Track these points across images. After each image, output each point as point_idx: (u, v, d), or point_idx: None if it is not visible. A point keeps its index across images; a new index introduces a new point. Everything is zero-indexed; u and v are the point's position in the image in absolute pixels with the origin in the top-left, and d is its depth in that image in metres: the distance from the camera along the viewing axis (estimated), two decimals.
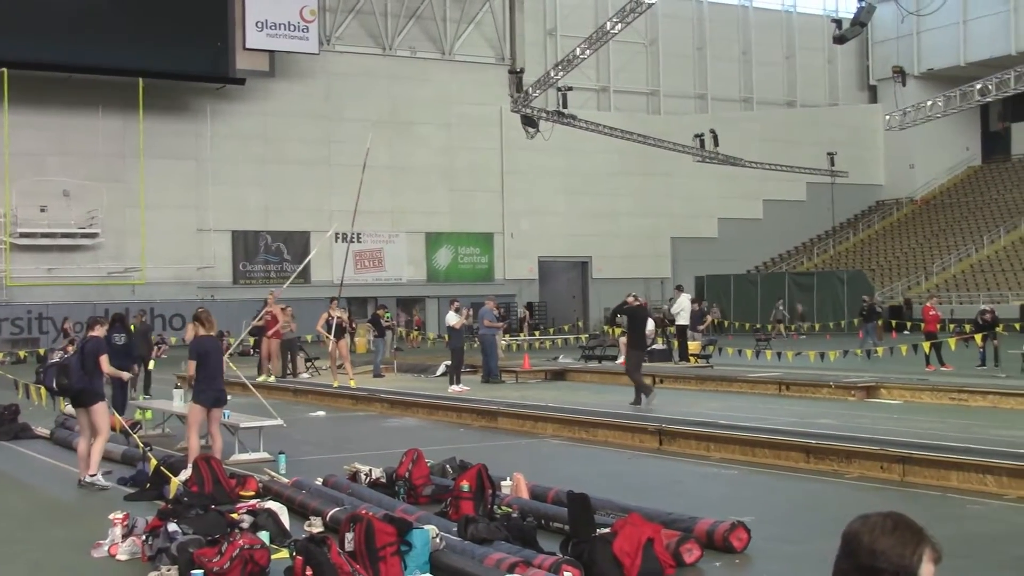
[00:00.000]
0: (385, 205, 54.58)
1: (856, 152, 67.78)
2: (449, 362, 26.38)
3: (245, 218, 52.06)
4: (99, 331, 13.59)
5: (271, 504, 10.13)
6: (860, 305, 38.70)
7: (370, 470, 12.26)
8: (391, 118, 55.05)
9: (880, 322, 41.26)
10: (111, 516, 9.47)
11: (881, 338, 37.03)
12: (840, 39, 46.12)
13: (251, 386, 18.96)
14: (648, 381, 20.90)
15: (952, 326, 33.77)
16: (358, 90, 54.56)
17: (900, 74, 65.29)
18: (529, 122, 51.42)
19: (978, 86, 57.11)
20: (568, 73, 50.94)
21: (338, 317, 25.96)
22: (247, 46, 49.95)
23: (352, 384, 24.92)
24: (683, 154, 56.87)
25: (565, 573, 7.86)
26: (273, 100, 52.89)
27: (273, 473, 12.88)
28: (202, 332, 13.59)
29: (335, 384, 25.13)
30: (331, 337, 25.62)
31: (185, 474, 11.73)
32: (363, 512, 8.63)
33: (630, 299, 21.66)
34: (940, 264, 58.66)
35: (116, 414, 14.84)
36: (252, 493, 11.63)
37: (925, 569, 3.17)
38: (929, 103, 60.77)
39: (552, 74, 51.22)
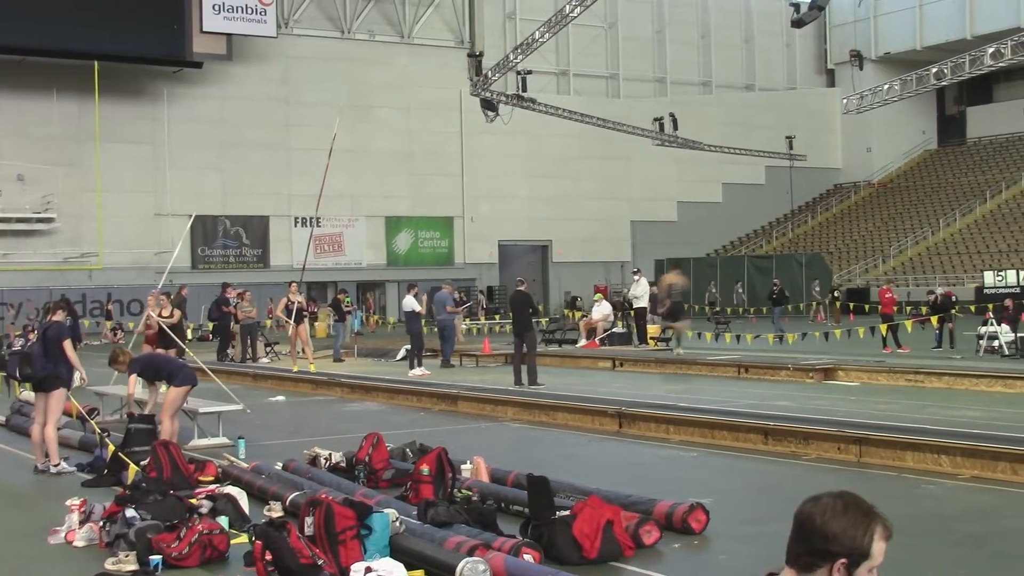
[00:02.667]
0: (344, 189, 54.38)
1: (814, 136, 68.20)
2: (409, 346, 26.35)
3: (203, 202, 51.69)
4: (59, 316, 13.50)
5: (230, 489, 10.09)
6: (770, 289, 38.92)
7: (330, 454, 12.23)
8: (350, 102, 54.77)
9: (789, 307, 41.59)
10: (68, 503, 9.39)
11: (784, 320, 37.34)
12: (798, 23, 46.40)
13: (210, 371, 18.87)
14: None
15: (909, 308, 34.05)
16: (317, 74, 54.27)
17: (857, 58, 65.68)
18: (489, 106, 51.36)
19: (934, 70, 57.55)
20: (527, 57, 50.90)
21: (298, 302, 25.77)
22: (204, 29, 49.54)
23: (312, 368, 24.80)
24: (642, 138, 57.00)
25: (525, 555, 7.88)
26: (231, 84, 52.51)
27: (232, 458, 12.83)
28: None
29: (295, 369, 24.93)
30: (290, 322, 25.42)
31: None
32: (323, 496, 8.62)
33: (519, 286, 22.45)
34: (897, 247, 59.14)
35: (73, 400, 14.72)
36: (211, 478, 11.57)
37: (876, 547, 3.20)
38: (886, 87, 61.17)
39: (511, 57, 51.16)
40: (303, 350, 26.10)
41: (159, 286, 21.95)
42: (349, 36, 56.07)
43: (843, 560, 3.17)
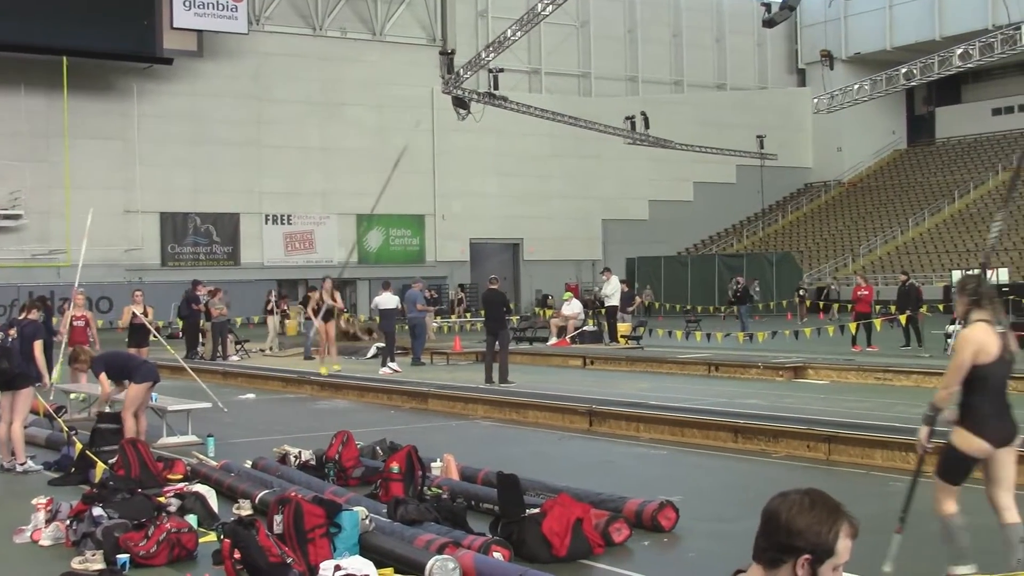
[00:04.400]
0: (316, 187, 54.28)
1: (785, 135, 68.46)
2: (381, 344, 26.28)
3: (173, 199, 51.42)
4: (35, 315, 13.43)
5: (199, 487, 10.05)
6: (732, 287, 39.08)
7: (300, 452, 12.20)
8: (322, 99, 54.66)
9: (760, 305, 41.75)
10: (34, 501, 9.33)
11: (753, 318, 37.56)
12: (769, 23, 46.58)
13: (189, 369, 18.83)
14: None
15: (878, 307, 34.23)
16: (288, 71, 54.08)
17: (828, 58, 66.13)
18: (460, 103, 51.31)
19: (903, 70, 57.96)
20: (499, 55, 50.88)
21: (329, 301, 25.31)
22: (175, 25, 49.23)
23: (336, 368, 24.18)
24: (614, 136, 57.07)
25: (494, 553, 7.88)
26: (202, 80, 52.24)
27: (201, 456, 12.78)
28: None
29: (323, 372, 23.44)
30: (319, 319, 25.12)
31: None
32: (292, 494, 8.59)
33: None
34: (867, 246, 59.45)
35: (40, 398, 14.63)
36: (180, 476, 11.52)
37: (842, 545, 3.21)
38: (856, 87, 61.58)
39: (483, 55, 51.12)
40: (328, 349, 25.73)
41: (76, 285, 20.87)
42: (321, 33, 55.89)
43: (807, 556, 3.18)
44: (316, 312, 24.98)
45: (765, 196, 67.77)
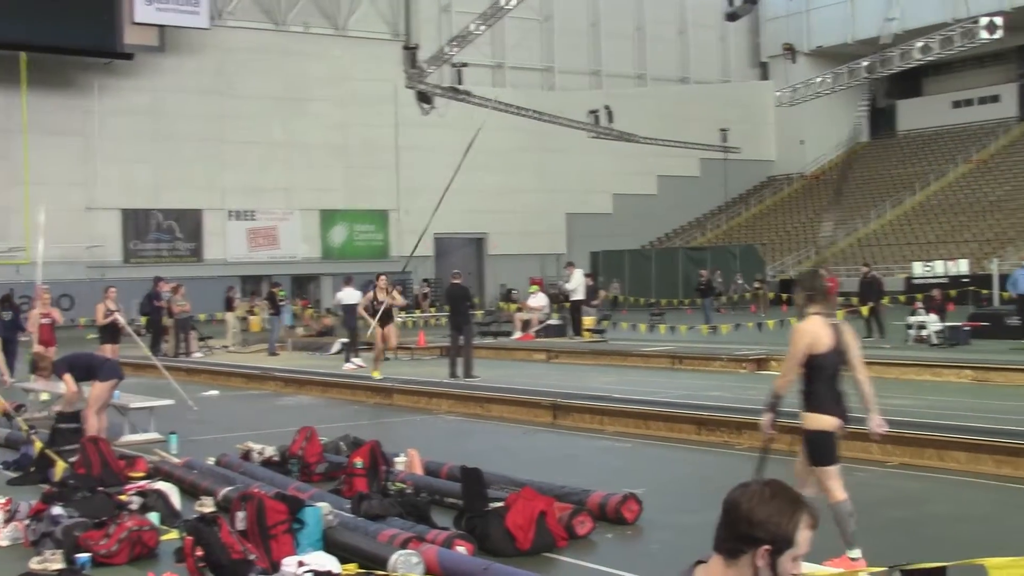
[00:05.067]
0: (279, 182, 54.02)
1: (748, 128, 68.72)
2: (345, 340, 26.21)
3: (135, 196, 51.03)
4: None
5: (161, 485, 9.99)
6: (696, 280, 39.23)
7: (263, 449, 12.15)
8: (285, 94, 54.37)
9: (724, 298, 41.90)
10: None
11: (718, 311, 37.78)
12: (732, 16, 46.90)
13: (162, 367, 18.74)
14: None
15: (840, 299, 34.41)
16: (251, 66, 53.76)
17: (790, 51, 66.43)
18: (424, 98, 51.28)
19: (865, 63, 58.32)
20: (463, 49, 50.84)
21: (387, 300, 21.86)
22: (135, 20, 48.82)
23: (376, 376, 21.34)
24: (578, 130, 57.11)
25: (458, 547, 7.87)
26: (163, 76, 51.84)
27: (164, 453, 12.70)
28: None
29: (376, 375, 21.28)
30: (374, 321, 21.71)
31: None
32: (255, 491, 8.54)
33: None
34: (829, 238, 59.76)
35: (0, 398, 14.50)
36: (142, 474, 11.43)
37: (801, 536, 3.21)
38: (818, 80, 61.93)
39: (447, 50, 51.05)
40: (386, 352, 23.02)
41: (39, 282, 20.58)
42: (283, 28, 55.60)
43: (767, 546, 3.18)
44: (371, 313, 21.69)
45: (728, 189, 68.03)
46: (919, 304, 27.86)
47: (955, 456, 11.29)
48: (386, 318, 21.63)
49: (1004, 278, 33.99)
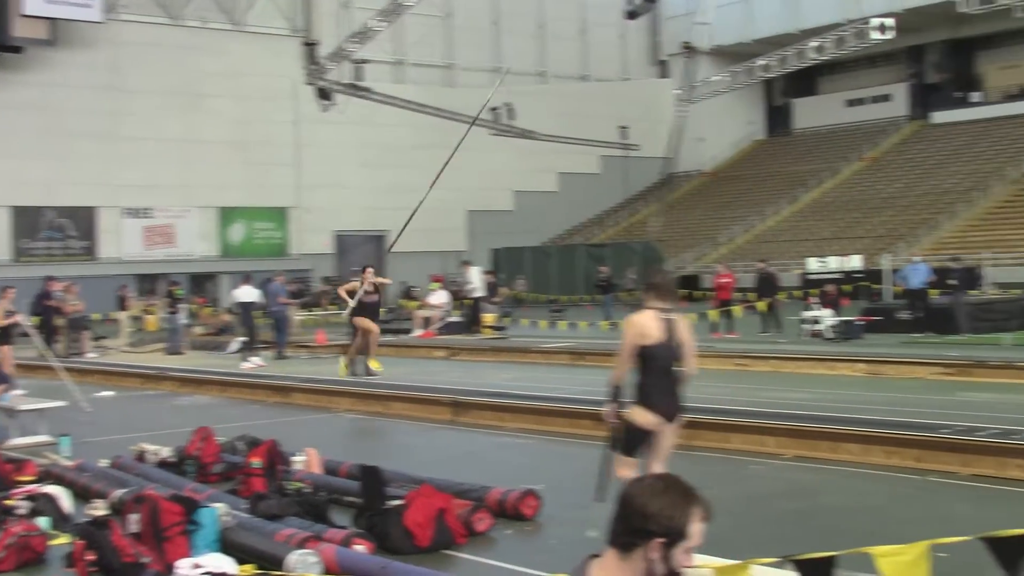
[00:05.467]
0: (176, 179, 53.16)
1: (647, 126, 69.29)
2: (243, 338, 25.92)
3: (26, 193, 49.83)
4: None
5: (50, 488, 9.77)
6: (596, 277, 39.56)
7: (158, 450, 11.95)
8: (181, 90, 53.51)
9: (621, 294, 42.26)
10: None
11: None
12: (632, 15, 47.21)
13: (60, 368, 18.37)
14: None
15: (738, 294, 34.90)
16: (146, 61, 52.80)
17: (689, 50, 67.04)
18: (324, 95, 50.85)
19: (762, 62, 59.19)
20: (363, 46, 50.50)
21: (372, 291, 20.65)
22: (25, 12, 47.61)
23: (378, 368, 20.92)
24: (479, 127, 57.09)
25: (356, 546, 7.83)
26: (55, 70, 50.67)
27: (54, 456, 12.43)
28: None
29: (377, 368, 20.85)
30: (351, 302, 20.49)
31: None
32: (149, 493, 8.41)
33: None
34: (727, 235, 60.57)
35: None
36: (31, 478, 11.16)
37: (694, 528, 3.25)
38: (716, 78, 62.67)
39: (347, 46, 50.70)
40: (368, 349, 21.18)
41: None
42: (179, 23, 54.73)
43: (660, 539, 3.21)
44: (362, 307, 20.31)
45: (629, 186, 68.55)
46: (813, 299, 28.38)
47: (848, 448, 11.51)
48: (372, 312, 20.77)
49: (896, 273, 34.79)
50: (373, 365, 20.95)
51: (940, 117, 63.78)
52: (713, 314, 28.22)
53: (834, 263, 47.45)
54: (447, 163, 45.52)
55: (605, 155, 67.37)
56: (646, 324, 7.74)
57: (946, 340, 24.13)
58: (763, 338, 26.70)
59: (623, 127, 66.04)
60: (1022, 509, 8.97)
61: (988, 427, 11.73)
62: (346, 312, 21.04)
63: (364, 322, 20.70)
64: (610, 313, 34.69)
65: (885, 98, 67.98)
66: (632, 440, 7.87)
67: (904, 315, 27.30)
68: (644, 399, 7.79)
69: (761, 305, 28.12)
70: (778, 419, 12.69)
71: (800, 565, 4.81)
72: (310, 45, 53.27)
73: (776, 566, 5.23)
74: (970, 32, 61.93)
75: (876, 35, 54.62)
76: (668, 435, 7.94)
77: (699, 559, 3.92)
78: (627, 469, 7.83)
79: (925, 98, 65.62)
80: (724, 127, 71.32)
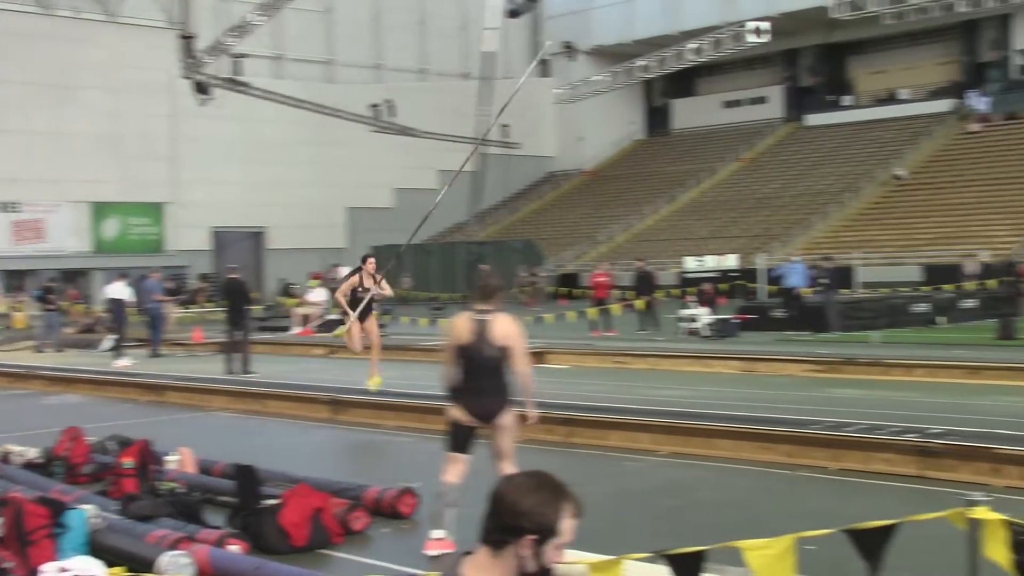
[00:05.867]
0: (46, 173, 51.79)
1: (529, 125, 69.55)
2: (115, 336, 25.41)
3: None
4: None
5: None
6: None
7: (24, 451, 11.63)
8: (53, 81, 52.15)
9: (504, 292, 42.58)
10: None
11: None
12: (514, 13, 47.31)
13: None
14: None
15: (616, 293, 35.29)
16: (15, 51, 51.32)
17: (570, 50, 67.61)
18: (201, 89, 49.99)
19: (641, 63, 59.94)
20: (242, 40, 49.82)
21: (377, 287, 16.84)
22: None
23: (374, 385, 16.76)
24: (359, 124, 56.77)
25: (230, 546, 7.72)
26: None
27: None
28: None
29: (373, 386, 16.63)
30: (353, 314, 16.75)
31: None
32: (13, 495, 8.17)
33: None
34: (607, 233, 61.12)
35: None
36: None
37: (565, 525, 3.26)
38: (597, 78, 63.30)
39: (225, 40, 49.96)
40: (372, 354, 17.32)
41: None
42: (51, 12, 53.34)
43: (531, 536, 3.22)
44: (352, 304, 16.72)
45: (509, 185, 68.77)
46: (691, 298, 28.82)
47: (721, 444, 11.71)
48: (367, 311, 16.85)
49: (770, 272, 35.54)
50: (370, 383, 16.71)
51: (813, 120, 65.22)
52: (591, 312, 28.46)
53: (711, 262, 48.22)
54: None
55: (486, 153, 67.44)
56: (458, 326, 8.02)
57: (817, 338, 24.70)
58: (641, 336, 27.02)
59: (505, 125, 66.17)
60: (885, 501, 9.21)
61: (855, 422, 12.03)
62: (352, 318, 16.72)
63: (354, 329, 16.84)
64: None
65: (761, 100, 69.26)
66: (453, 437, 8.16)
67: (778, 313, 27.88)
68: (455, 398, 8.10)
69: (639, 303, 28.45)
70: (654, 416, 12.84)
71: (671, 560, 4.88)
72: (187, 38, 52.26)
73: (648, 561, 5.28)
74: (842, 37, 63.48)
75: (752, 38, 55.72)
76: (499, 434, 8.17)
77: (571, 555, 3.96)
78: (452, 469, 8.15)
79: (799, 101, 67.05)
80: (604, 127, 71.96)
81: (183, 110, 54.59)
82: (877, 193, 54.91)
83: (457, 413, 8.07)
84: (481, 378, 8.00)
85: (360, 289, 16.82)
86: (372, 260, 17.26)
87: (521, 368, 8.07)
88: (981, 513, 4.92)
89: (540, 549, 3.25)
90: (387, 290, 17.23)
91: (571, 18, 71.33)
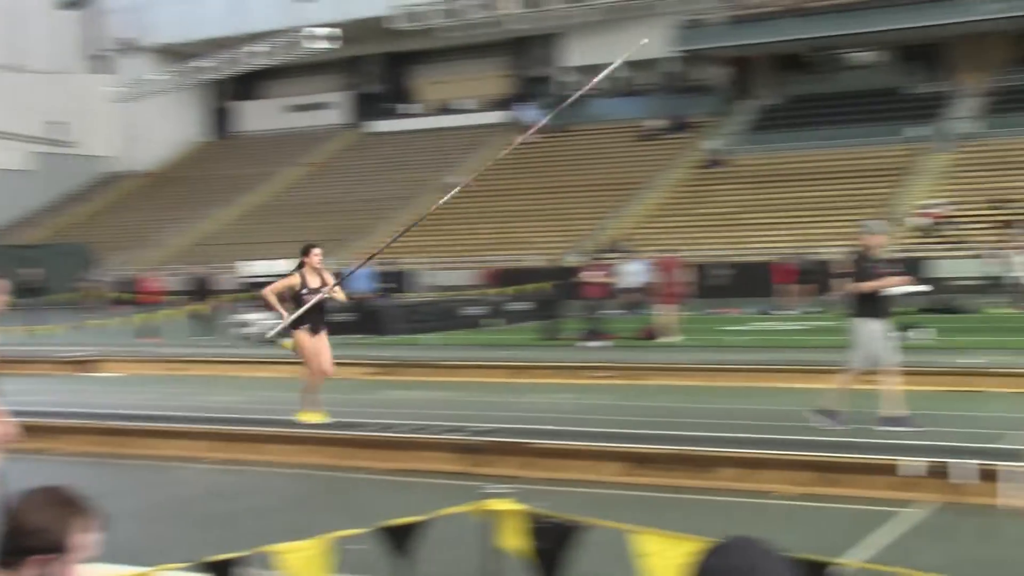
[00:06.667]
0: None
1: (86, 123, 66.60)
2: None
3: None
4: None
5: None
6: (26, 280, 38.38)
7: None
8: None
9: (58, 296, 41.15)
10: None
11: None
12: (69, 5, 45.20)
13: None
14: None
15: (175, 298, 34.57)
16: None
17: (129, 46, 65.34)
18: None
19: (207, 63, 58.91)
20: None
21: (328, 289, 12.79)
22: None
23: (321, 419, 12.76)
24: None
25: None
26: None
27: None
28: None
29: (316, 419, 12.66)
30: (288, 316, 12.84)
31: None
32: None
33: None
34: (168, 236, 59.48)
35: None
36: None
37: (77, 540, 3.21)
38: (158, 77, 61.58)
39: None
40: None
41: None
42: None
43: (38, 556, 3.15)
44: (294, 306, 12.84)
45: (64, 185, 65.46)
46: (247, 303, 28.74)
47: (270, 449, 11.79)
48: (318, 320, 12.88)
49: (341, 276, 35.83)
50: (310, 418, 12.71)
51: (377, 127, 66.58)
52: (139, 318, 27.83)
53: (274, 267, 48.01)
54: None
55: (38, 151, 63.98)
56: None
57: (377, 341, 25.28)
58: (195, 342, 26.62)
59: (59, 123, 63.02)
60: (431, 498, 9.52)
61: (405, 423, 12.42)
62: (281, 327, 13.23)
63: (308, 342, 12.75)
64: (37, 319, 33.08)
65: (326, 105, 69.91)
66: None
67: (343, 317, 28.27)
68: None
69: (194, 308, 28.04)
70: (203, 423, 12.75)
71: (206, 567, 4.89)
72: None
73: (188, 570, 5.27)
74: (406, 47, 65.12)
75: (318, 44, 56.17)
76: None
77: (99, 570, 3.86)
78: None
79: (365, 107, 68.21)
80: (166, 127, 70.10)
81: None
82: (435, 200, 56.57)
83: None
84: None
85: (305, 291, 12.74)
86: (318, 251, 13.07)
87: None
88: (496, 505, 5.27)
89: (48, 569, 3.18)
90: (339, 293, 13.17)
91: (130, 14, 68.75)
